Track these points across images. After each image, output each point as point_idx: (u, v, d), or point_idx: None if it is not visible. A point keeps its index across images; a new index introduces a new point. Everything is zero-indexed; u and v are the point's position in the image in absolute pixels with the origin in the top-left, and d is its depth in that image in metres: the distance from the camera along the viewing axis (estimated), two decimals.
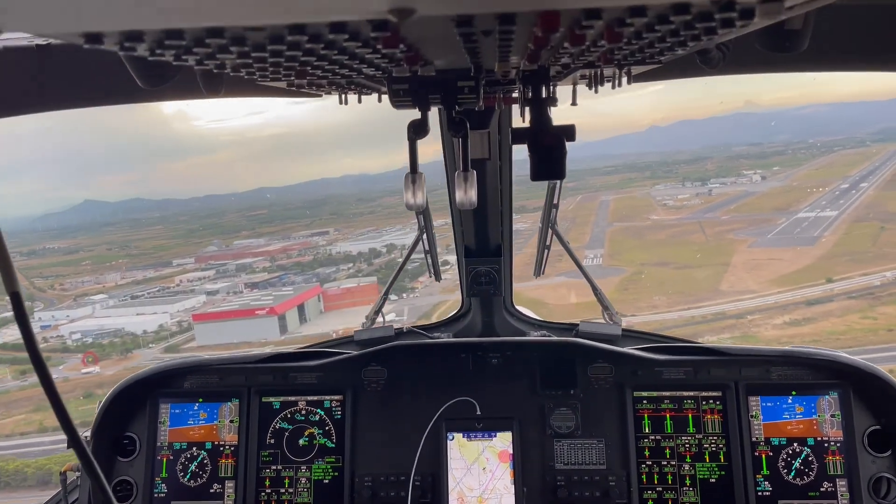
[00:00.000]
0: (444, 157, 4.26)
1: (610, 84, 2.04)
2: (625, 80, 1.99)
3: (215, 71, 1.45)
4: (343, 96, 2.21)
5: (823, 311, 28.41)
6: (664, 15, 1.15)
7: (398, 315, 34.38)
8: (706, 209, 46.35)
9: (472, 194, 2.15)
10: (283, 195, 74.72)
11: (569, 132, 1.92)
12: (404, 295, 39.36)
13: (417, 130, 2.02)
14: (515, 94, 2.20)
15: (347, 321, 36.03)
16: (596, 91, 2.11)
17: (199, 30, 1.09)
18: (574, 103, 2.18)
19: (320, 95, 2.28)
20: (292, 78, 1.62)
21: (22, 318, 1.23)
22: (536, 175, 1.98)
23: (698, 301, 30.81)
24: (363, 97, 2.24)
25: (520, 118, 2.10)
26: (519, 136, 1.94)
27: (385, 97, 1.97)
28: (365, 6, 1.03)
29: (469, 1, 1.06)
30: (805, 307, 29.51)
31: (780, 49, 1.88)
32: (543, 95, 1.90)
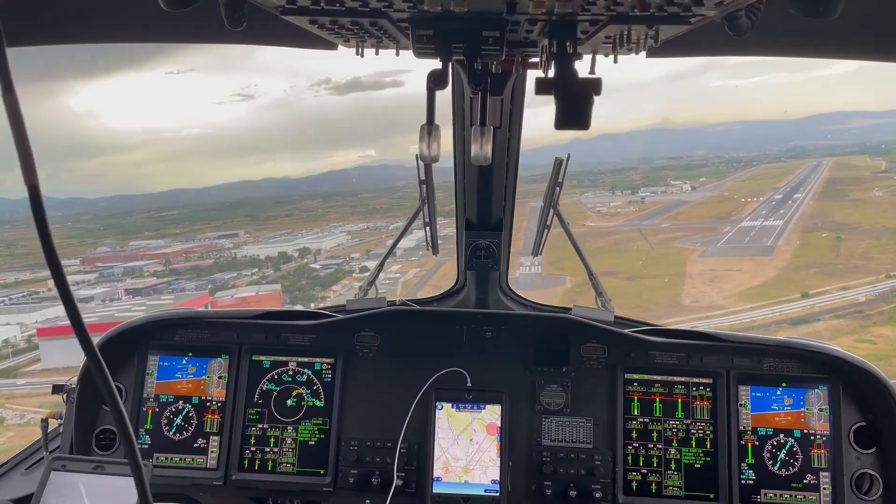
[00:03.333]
0: (454, 120, 4.09)
1: (632, 51, 1.92)
2: (649, 45, 1.84)
3: None
4: (360, 48, 2.11)
5: (811, 333, 22.77)
6: None
7: None
8: (643, 217, 44.74)
9: (488, 149, 2.09)
10: (198, 197, 70.91)
11: (596, 85, 1.80)
12: (312, 305, 31.54)
13: (437, 81, 1.98)
14: (534, 59, 2.17)
15: None
16: (615, 60, 2.00)
17: None
18: (592, 72, 2.01)
19: (335, 47, 2.20)
20: (320, 5, 1.57)
21: (39, 214, 1.14)
22: (562, 123, 1.83)
23: (661, 317, 24.29)
24: (381, 50, 2.15)
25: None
26: (544, 85, 1.82)
27: (404, 52, 1.95)
28: None
29: None
30: (789, 327, 23.92)
31: (813, 13, 1.71)
32: (569, 51, 1.78)
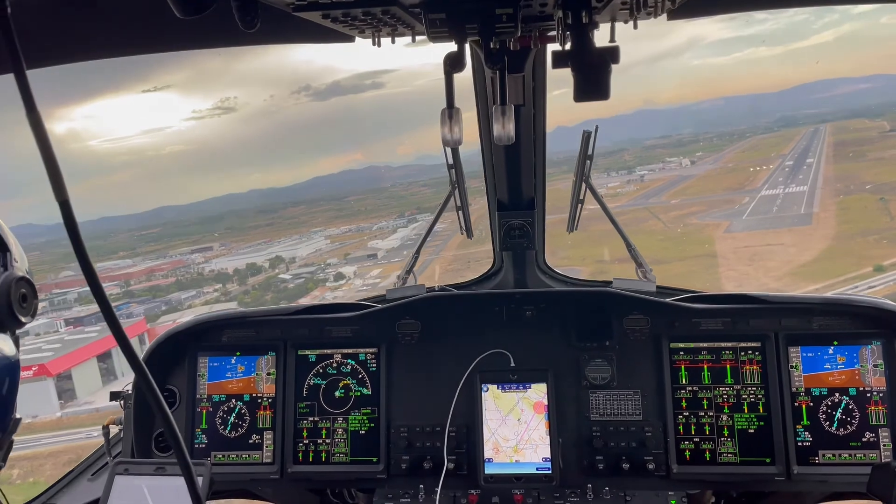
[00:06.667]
0: (477, 102, 3.87)
1: (651, 15, 1.84)
2: (668, 8, 1.77)
3: None
4: (376, 37, 2.03)
5: None
6: None
7: None
8: (646, 195, 40.39)
9: (510, 128, 1.99)
10: (183, 213, 67.32)
11: (613, 53, 1.70)
12: None
13: (454, 63, 1.84)
14: (551, 33, 2.09)
15: None
16: (635, 26, 1.88)
17: None
18: (612, 40, 1.90)
19: (353, 39, 2.12)
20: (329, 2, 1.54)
21: (72, 228, 1.14)
22: (581, 95, 1.72)
23: None
24: (397, 38, 2.06)
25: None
26: (560, 59, 1.72)
27: (419, 37, 1.92)
28: None
29: None
30: None
31: None
32: (584, 21, 1.68)
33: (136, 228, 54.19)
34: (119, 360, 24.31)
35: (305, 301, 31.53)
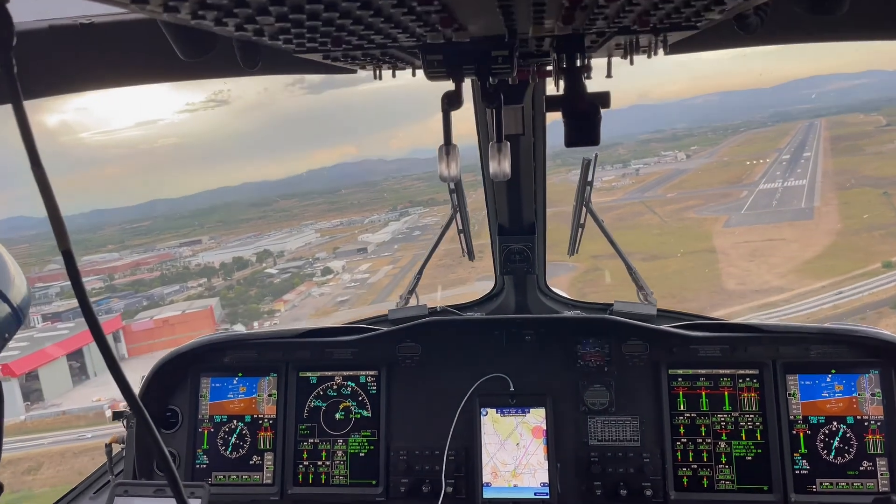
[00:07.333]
0: (478, 132, 3.98)
1: (646, 54, 1.89)
2: (661, 49, 1.83)
3: (254, 38, 1.43)
4: (377, 71, 2.11)
5: None
6: None
7: None
8: (642, 189, 39.89)
9: (506, 165, 1.97)
10: (176, 206, 66.70)
11: (603, 99, 1.76)
12: (255, 324, 24.93)
13: (451, 102, 1.87)
14: (549, 67, 2.13)
15: None
16: (631, 62, 1.93)
17: None
18: (609, 75, 1.96)
19: (355, 70, 2.18)
20: (328, 47, 1.58)
21: (74, 275, 1.17)
22: (571, 142, 1.79)
23: (706, 309, 17.11)
24: (398, 72, 2.14)
25: (554, 91, 1.89)
26: (553, 103, 1.78)
27: (419, 72, 1.93)
28: None
29: None
30: (892, 311, 16.48)
31: (821, 11, 1.71)
32: (578, 65, 1.74)
33: (126, 221, 53.79)
34: (92, 359, 23.03)
35: (290, 297, 30.92)
